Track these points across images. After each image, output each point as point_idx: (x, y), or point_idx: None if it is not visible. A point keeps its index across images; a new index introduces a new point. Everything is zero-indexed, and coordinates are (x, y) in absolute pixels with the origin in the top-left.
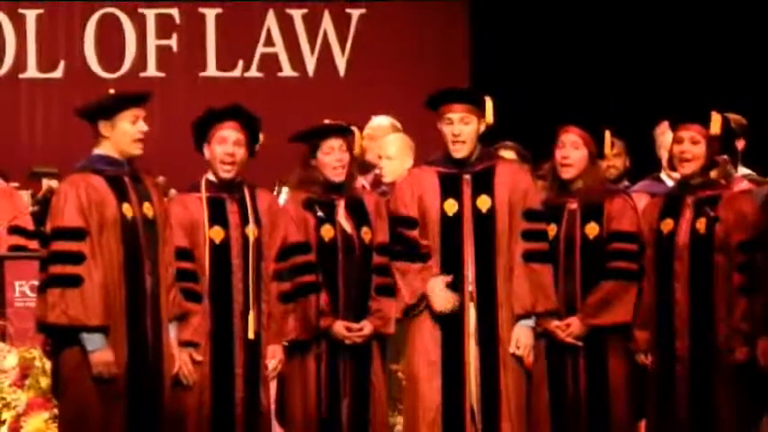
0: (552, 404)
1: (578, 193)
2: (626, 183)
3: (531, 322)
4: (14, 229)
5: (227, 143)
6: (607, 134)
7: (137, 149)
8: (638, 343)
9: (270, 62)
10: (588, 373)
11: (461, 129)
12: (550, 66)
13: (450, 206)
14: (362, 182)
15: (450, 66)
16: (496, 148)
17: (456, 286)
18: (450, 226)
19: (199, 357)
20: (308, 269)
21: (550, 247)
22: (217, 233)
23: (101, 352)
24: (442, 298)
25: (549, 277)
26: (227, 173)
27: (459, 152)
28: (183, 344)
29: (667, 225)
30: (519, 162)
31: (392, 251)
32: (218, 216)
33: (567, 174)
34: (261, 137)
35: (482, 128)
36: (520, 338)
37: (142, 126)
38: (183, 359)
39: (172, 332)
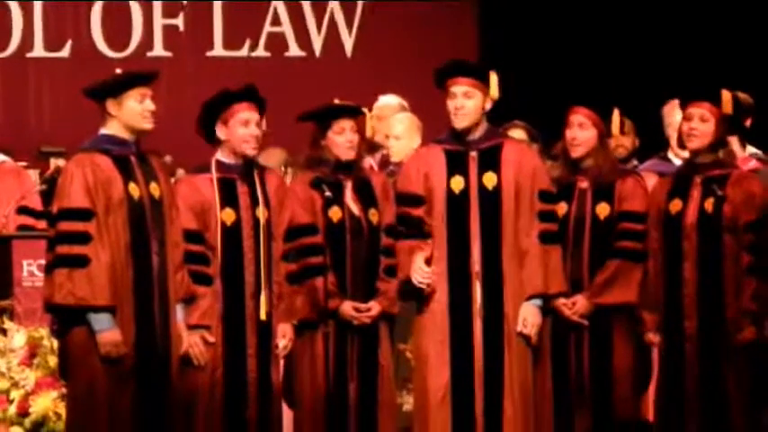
0: (555, 382)
1: (589, 173)
2: (635, 162)
3: (539, 302)
4: (23, 209)
5: (250, 125)
6: (615, 113)
7: (147, 123)
8: (646, 324)
9: (277, 42)
10: (592, 351)
11: (464, 102)
12: (559, 45)
13: (457, 183)
14: (371, 162)
15: (458, 45)
16: (506, 128)
17: (454, 248)
18: (457, 203)
19: (211, 339)
20: (314, 251)
21: (560, 225)
22: (228, 215)
23: (108, 332)
24: (416, 272)
25: (560, 258)
26: (253, 150)
27: (460, 122)
28: (193, 326)
29: (675, 205)
30: (528, 142)
31: (396, 231)
32: (229, 197)
33: (576, 152)
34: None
35: (487, 104)
36: (527, 317)
37: (149, 105)
38: (195, 341)
39: (179, 314)
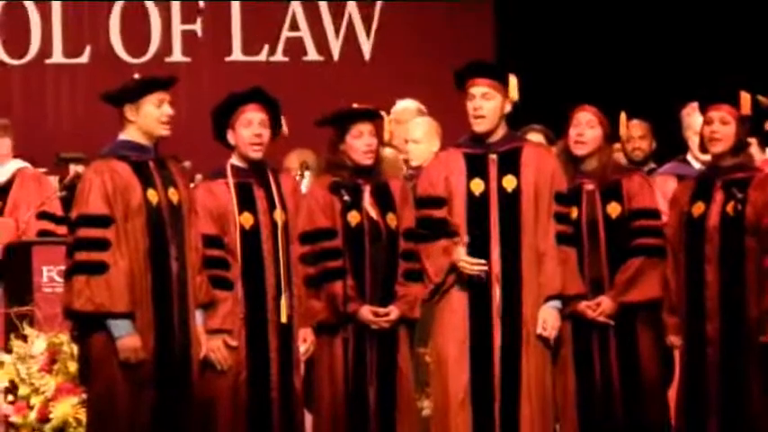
0: (579, 386)
1: (594, 174)
2: (652, 165)
3: (558, 304)
4: (43, 215)
5: (253, 125)
6: (623, 115)
7: (163, 130)
8: (667, 328)
9: (295, 46)
10: (619, 351)
11: (482, 104)
12: (576, 48)
13: (477, 186)
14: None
15: (475, 47)
16: (524, 132)
17: (475, 251)
18: (477, 206)
19: (234, 343)
20: (333, 255)
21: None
22: (246, 219)
23: (127, 338)
24: (468, 264)
25: (576, 260)
26: (257, 152)
27: (479, 125)
28: (213, 331)
29: (698, 208)
30: (546, 145)
31: (418, 234)
32: (246, 202)
33: (580, 150)
34: (283, 120)
35: (507, 107)
36: (547, 319)
37: (167, 110)
38: (216, 345)
39: (198, 319)
